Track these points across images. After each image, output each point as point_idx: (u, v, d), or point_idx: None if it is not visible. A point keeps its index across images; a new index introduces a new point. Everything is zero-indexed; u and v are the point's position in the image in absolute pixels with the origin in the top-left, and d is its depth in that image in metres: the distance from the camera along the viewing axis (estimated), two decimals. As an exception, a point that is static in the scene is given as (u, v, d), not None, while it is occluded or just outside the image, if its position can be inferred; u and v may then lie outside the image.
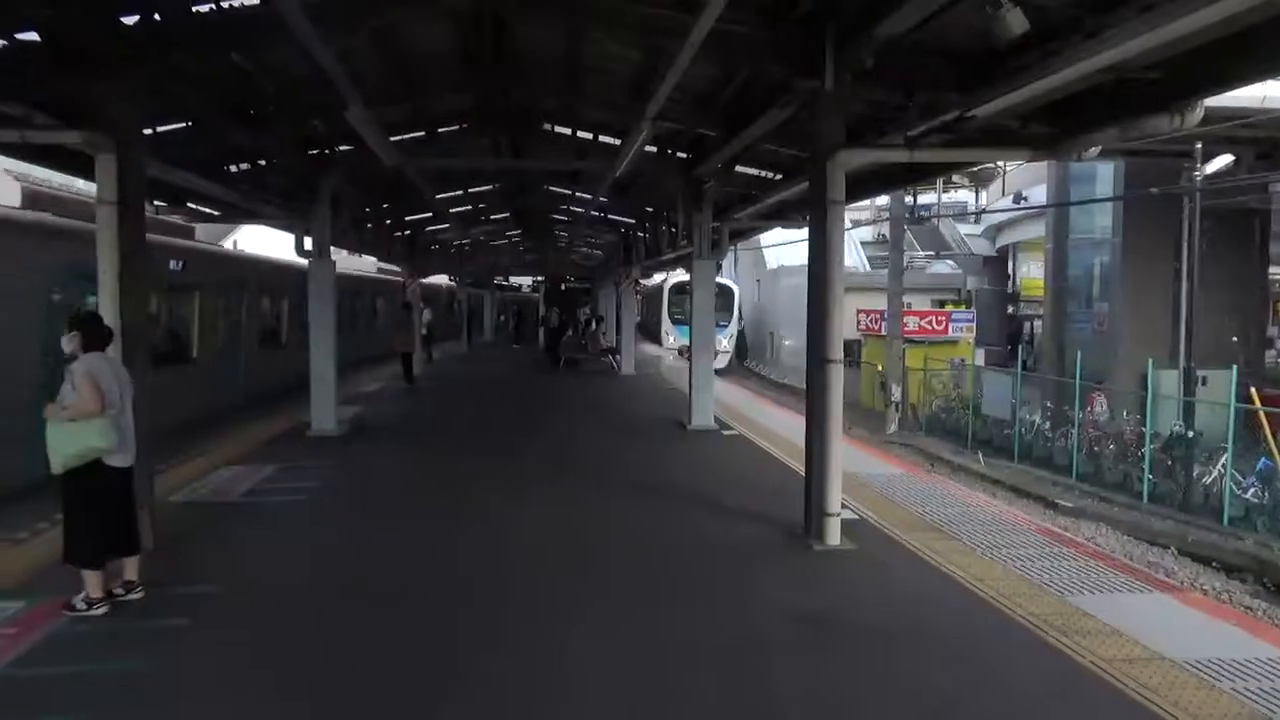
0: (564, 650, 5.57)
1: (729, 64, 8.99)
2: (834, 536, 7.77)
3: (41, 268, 9.75)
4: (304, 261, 13.74)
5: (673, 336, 38.13)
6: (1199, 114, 6.78)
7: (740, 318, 44.32)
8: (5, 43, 7.07)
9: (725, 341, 37.59)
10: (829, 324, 7.81)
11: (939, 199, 48.35)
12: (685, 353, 29.92)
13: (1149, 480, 17.69)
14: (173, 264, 13.65)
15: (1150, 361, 19.27)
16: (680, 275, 40.01)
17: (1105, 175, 26.71)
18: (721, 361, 33.47)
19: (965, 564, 7.26)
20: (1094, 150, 7.96)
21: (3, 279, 9.12)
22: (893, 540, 8.03)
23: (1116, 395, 22.26)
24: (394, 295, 30.61)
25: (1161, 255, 23.11)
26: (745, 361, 47.03)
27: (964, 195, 52.70)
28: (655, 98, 7.72)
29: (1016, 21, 5.92)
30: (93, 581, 6.07)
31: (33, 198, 10.26)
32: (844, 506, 8.65)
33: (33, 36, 7.01)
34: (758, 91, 9.52)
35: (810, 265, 8.10)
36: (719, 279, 29.77)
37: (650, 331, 45.39)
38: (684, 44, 6.21)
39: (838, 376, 7.85)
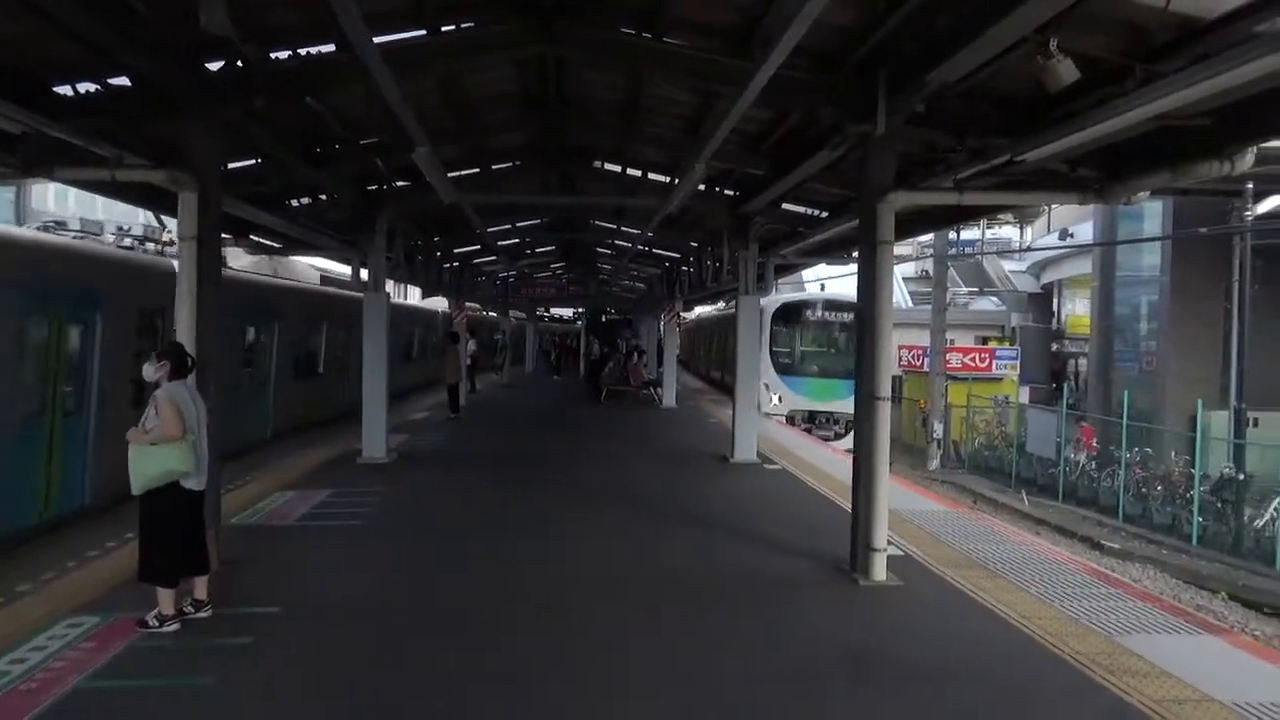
0: (604, 674, 5.73)
1: (782, 106, 9.23)
2: (880, 572, 7.84)
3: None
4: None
5: (779, 395, 24.68)
6: (1250, 159, 6.87)
7: None
8: (99, 88, 7.52)
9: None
10: (878, 361, 7.94)
11: (983, 235, 48.32)
12: (810, 423, 23.84)
13: (1198, 523, 17.43)
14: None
15: (1200, 402, 19.04)
16: (789, 293, 30.38)
17: (1153, 213, 26.56)
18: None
19: (1012, 601, 7.29)
20: (1144, 194, 8.05)
21: None
22: (938, 577, 8.07)
23: (1164, 435, 21.98)
24: (435, 326, 31.19)
25: (1210, 294, 22.91)
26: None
27: (1009, 232, 52.56)
28: (712, 140, 7.96)
29: (1067, 71, 6.07)
30: (166, 599, 6.35)
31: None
32: (889, 543, 8.75)
33: (124, 81, 7.45)
34: (809, 133, 9.75)
35: (859, 304, 8.26)
36: (850, 297, 24.79)
37: (712, 377, 34.56)
38: (744, 90, 6.44)
39: (885, 413, 7.97)
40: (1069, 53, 6.15)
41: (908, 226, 12.06)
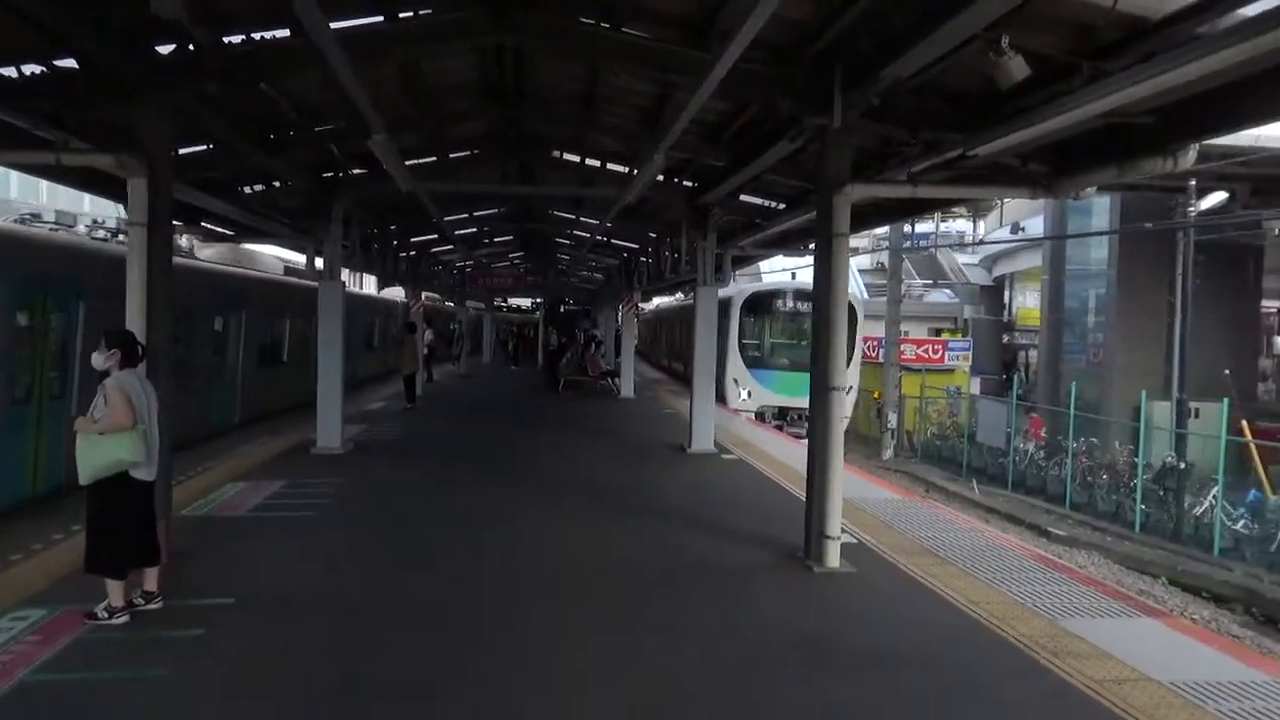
0: (562, 664, 5.76)
1: (741, 98, 9.29)
2: (833, 559, 7.97)
3: None
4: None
5: (748, 390, 23.75)
6: (1192, 156, 7.08)
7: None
8: (45, 70, 7.33)
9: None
10: (832, 352, 8.06)
11: (936, 228, 48.98)
12: (780, 420, 22.87)
13: (1141, 510, 17.92)
14: None
15: (1144, 393, 19.55)
16: (761, 282, 29.38)
17: (1102, 207, 27.16)
18: None
19: (961, 587, 7.46)
20: (1092, 189, 8.25)
21: None
22: (890, 563, 8.23)
23: (1110, 426, 22.55)
24: (395, 315, 30.95)
25: (1156, 288, 23.50)
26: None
27: (963, 225, 53.32)
28: (670, 131, 7.99)
29: (1018, 68, 6.19)
30: (115, 591, 6.24)
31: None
32: (842, 530, 8.89)
33: (71, 64, 7.28)
34: (767, 125, 9.82)
35: (815, 296, 8.36)
36: (801, 284, 24.68)
37: (672, 368, 33.47)
38: (703, 82, 6.48)
39: (839, 403, 8.09)
40: (1020, 50, 6.28)
41: (864, 219, 12.21)
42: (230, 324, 16.77)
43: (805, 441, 10.54)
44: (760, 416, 22.76)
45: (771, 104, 8.64)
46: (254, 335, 17.91)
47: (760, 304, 24.77)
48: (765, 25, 5.73)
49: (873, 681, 5.68)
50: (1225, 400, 17.01)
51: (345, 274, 16.90)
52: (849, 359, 20.44)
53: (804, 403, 22.42)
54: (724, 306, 21.66)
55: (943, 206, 19.96)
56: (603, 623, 6.65)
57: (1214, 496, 16.48)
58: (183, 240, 15.53)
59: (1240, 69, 5.56)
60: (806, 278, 30.42)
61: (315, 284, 14.24)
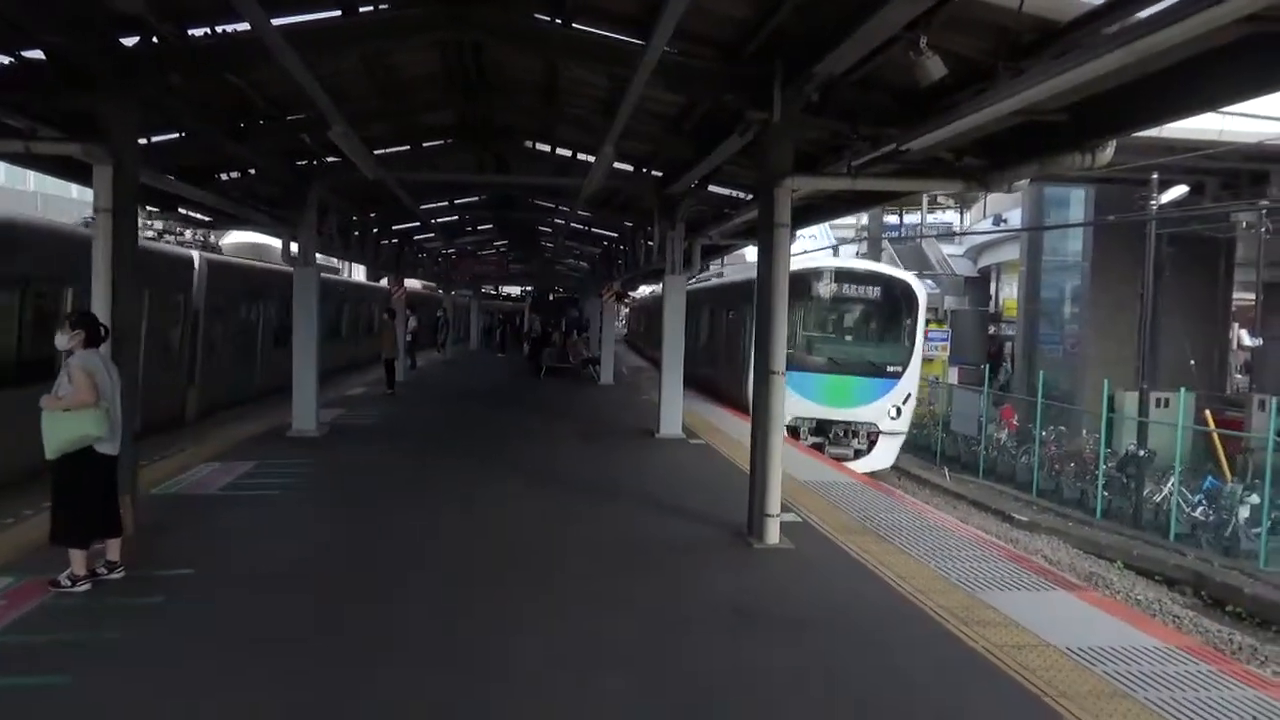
0: (515, 630, 6.10)
1: (688, 93, 9.58)
2: (773, 536, 8.33)
3: None
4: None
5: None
6: (1109, 153, 7.43)
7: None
8: (12, 60, 7.61)
9: (891, 409, 18.56)
10: (774, 338, 8.39)
11: (923, 219, 49.33)
12: (820, 437, 18.19)
13: (1103, 497, 18.32)
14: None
15: (1106, 382, 19.94)
16: (814, 258, 24.87)
17: (1080, 200, 27.53)
18: (883, 458, 18.85)
19: (892, 563, 7.82)
20: (1023, 182, 8.61)
21: None
22: (830, 541, 8.59)
23: (1081, 414, 22.95)
24: (378, 302, 31.30)
25: (1129, 280, 23.85)
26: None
27: (951, 216, 53.62)
28: (615, 122, 8.29)
29: (935, 67, 6.51)
30: (78, 560, 6.58)
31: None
32: (791, 510, 9.27)
33: (38, 55, 7.56)
34: (722, 119, 10.13)
35: (759, 284, 8.69)
36: (877, 267, 21.28)
37: (656, 357, 23.52)
38: (635, 73, 6.78)
39: (781, 387, 8.42)
40: (941, 50, 6.60)
41: (814, 213, 12.53)
42: (264, 310, 20.09)
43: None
44: (794, 432, 17.59)
45: (719, 98, 8.94)
46: (271, 319, 20.51)
47: (793, 289, 18.20)
48: (707, 21, 6.09)
49: (788, 644, 6.05)
50: (1182, 390, 17.37)
51: (340, 264, 18.28)
52: (908, 356, 18.53)
53: (852, 414, 18.25)
54: (745, 292, 18.29)
55: (888, 199, 20.21)
56: (547, 594, 6.97)
57: (1173, 484, 16.85)
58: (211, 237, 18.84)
59: (1141, 68, 5.91)
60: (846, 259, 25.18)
61: (325, 274, 14.95)
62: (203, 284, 16.41)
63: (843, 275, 19.75)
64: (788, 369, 14.92)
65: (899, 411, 18.51)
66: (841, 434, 18.59)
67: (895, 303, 19.12)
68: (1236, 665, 6.18)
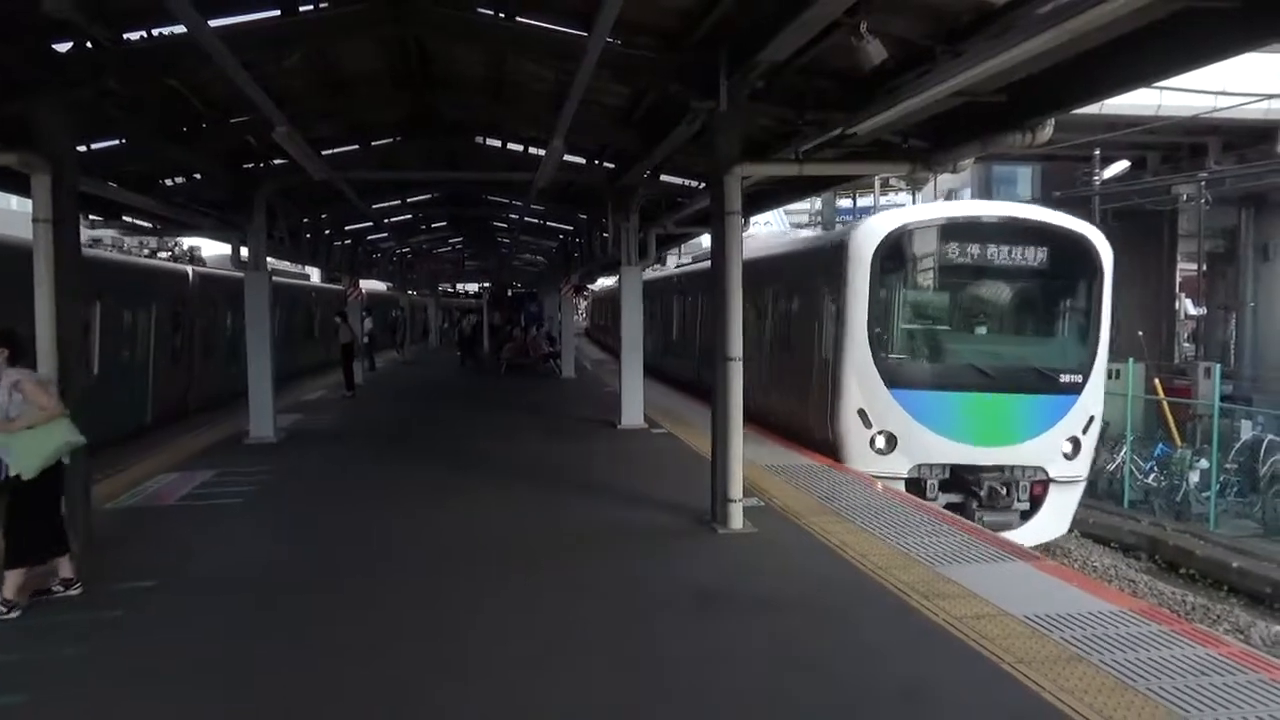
0: (482, 620, 6.16)
1: (634, 84, 9.61)
2: (736, 520, 8.40)
3: None
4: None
5: (886, 433, 11.91)
6: (1049, 131, 7.59)
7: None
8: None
9: (1066, 444, 11.92)
10: (730, 325, 8.43)
11: (875, 202, 49.83)
12: (957, 494, 11.73)
13: (1059, 468, 18.65)
14: None
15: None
16: (946, 205, 18.83)
17: (1026, 177, 27.99)
18: (1055, 523, 12.37)
19: (854, 542, 7.94)
20: (967, 161, 8.76)
21: None
22: (793, 523, 8.69)
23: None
24: (334, 304, 30.97)
25: (1076, 255, 24.27)
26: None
27: (904, 198, 54.15)
28: (563, 116, 8.28)
29: (875, 51, 6.59)
30: (28, 578, 6.39)
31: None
32: (754, 494, 9.36)
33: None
34: (668, 109, 10.16)
35: (713, 271, 8.74)
36: (1043, 215, 12.64)
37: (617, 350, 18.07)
38: (580, 65, 6.79)
39: (738, 373, 8.48)
40: (881, 34, 6.69)
41: (767, 199, 12.60)
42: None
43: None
44: (918, 488, 11.72)
45: (665, 89, 8.97)
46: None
47: (912, 253, 12.37)
48: (651, 11, 6.08)
49: (751, 623, 6.15)
50: (1130, 361, 17.76)
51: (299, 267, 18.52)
52: (1090, 357, 12.09)
53: (1007, 454, 11.56)
54: (826, 262, 12.87)
55: (838, 183, 20.45)
56: (515, 585, 7.00)
57: (1124, 454, 17.24)
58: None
59: (1076, 45, 6.04)
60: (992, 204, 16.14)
61: (301, 283, 14.72)
62: (195, 294, 18.47)
63: (985, 230, 12.17)
64: (904, 386, 11.53)
65: (1077, 447, 12.07)
66: (997, 490, 11.78)
67: (1070, 271, 12.27)
68: (1188, 625, 6.39)
